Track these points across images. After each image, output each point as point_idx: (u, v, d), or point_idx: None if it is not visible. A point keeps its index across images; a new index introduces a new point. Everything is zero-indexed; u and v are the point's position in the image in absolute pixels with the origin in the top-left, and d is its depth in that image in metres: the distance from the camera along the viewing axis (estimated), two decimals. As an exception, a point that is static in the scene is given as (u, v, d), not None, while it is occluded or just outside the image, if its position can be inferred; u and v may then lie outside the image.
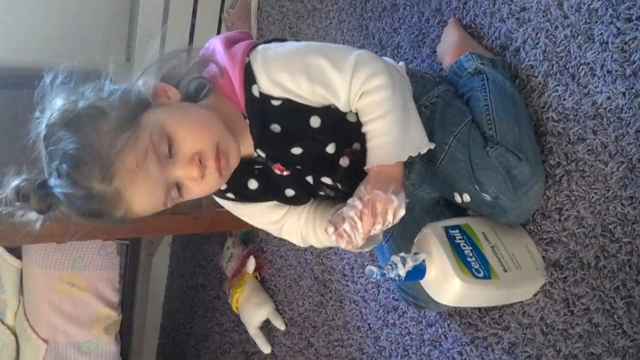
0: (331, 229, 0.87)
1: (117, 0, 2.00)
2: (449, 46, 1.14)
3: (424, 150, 0.91)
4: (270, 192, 1.01)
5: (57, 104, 0.85)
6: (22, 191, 0.85)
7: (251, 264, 1.87)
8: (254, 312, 1.82)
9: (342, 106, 0.92)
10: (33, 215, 0.87)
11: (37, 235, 1.55)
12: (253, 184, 1.00)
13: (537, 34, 1.01)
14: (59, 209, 0.87)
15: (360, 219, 0.85)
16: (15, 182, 0.85)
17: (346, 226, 0.85)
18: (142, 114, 0.85)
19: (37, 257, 1.96)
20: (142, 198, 0.85)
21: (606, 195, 0.91)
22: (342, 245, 0.87)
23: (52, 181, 0.84)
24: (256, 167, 0.98)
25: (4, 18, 1.87)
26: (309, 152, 0.94)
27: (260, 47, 0.93)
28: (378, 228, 0.86)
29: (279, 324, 1.76)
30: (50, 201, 0.86)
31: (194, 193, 0.89)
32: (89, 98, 0.85)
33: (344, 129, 0.93)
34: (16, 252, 2.01)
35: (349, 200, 0.87)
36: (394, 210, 0.85)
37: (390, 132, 0.89)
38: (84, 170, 0.81)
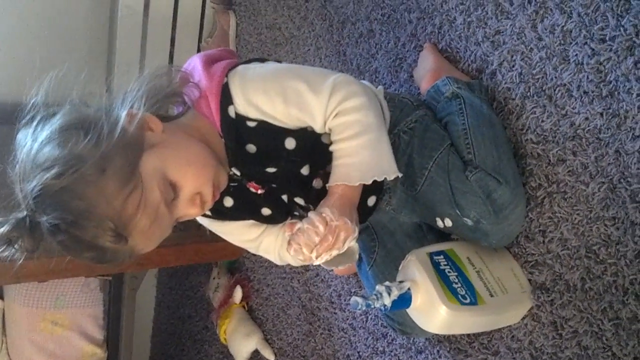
0: (291, 249, 0.88)
1: (94, 30, 1.99)
2: (426, 71, 1.14)
3: (390, 177, 0.91)
4: (247, 210, 1.01)
5: (48, 157, 0.80)
6: (13, 238, 0.81)
7: (238, 293, 1.85)
8: (242, 342, 1.79)
9: (318, 128, 0.92)
10: (14, 252, 0.84)
11: (18, 275, 1.54)
12: (228, 202, 1.00)
13: (512, 56, 1.01)
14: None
15: (320, 242, 0.85)
16: (2, 229, 0.81)
17: (303, 244, 0.86)
18: (139, 163, 0.83)
19: (19, 296, 1.93)
20: (153, 244, 0.88)
21: (589, 216, 0.90)
22: (300, 258, 0.87)
23: (58, 237, 0.80)
24: (231, 184, 0.98)
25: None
26: (284, 172, 0.95)
27: (239, 67, 0.93)
28: (334, 253, 0.86)
29: (268, 354, 1.74)
30: (40, 240, 0.83)
31: (187, 219, 0.93)
32: (86, 157, 0.79)
33: (318, 150, 0.93)
34: (-3, 292, 1.98)
35: (311, 219, 0.86)
36: (350, 239, 0.87)
37: (359, 154, 0.89)
38: (95, 233, 0.80)
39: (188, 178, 0.86)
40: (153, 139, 0.87)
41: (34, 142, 0.82)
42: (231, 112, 0.90)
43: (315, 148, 0.93)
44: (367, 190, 0.94)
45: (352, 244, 0.88)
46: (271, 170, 0.94)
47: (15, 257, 0.83)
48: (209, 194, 0.89)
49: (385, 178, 0.90)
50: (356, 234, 0.87)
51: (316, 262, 0.88)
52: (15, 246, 0.82)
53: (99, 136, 0.81)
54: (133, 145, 0.84)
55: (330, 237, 0.85)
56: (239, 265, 1.93)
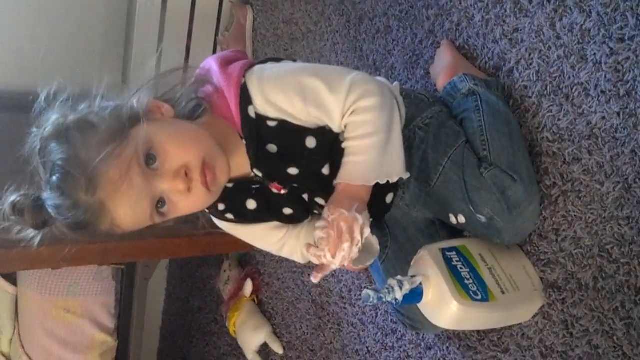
0: (311, 252, 0.87)
1: (112, 22, 2.01)
2: (443, 67, 1.14)
3: (393, 180, 0.91)
4: (269, 211, 1.01)
5: (51, 118, 0.86)
6: (18, 206, 0.85)
7: (248, 286, 1.86)
8: (251, 335, 1.80)
9: (336, 127, 0.92)
10: (30, 232, 0.87)
11: (32, 261, 1.56)
12: (252, 204, 0.99)
13: (530, 54, 1.01)
14: (55, 226, 0.87)
15: (327, 240, 0.85)
16: (12, 198, 0.86)
17: (316, 250, 0.86)
18: (133, 128, 0.85)
19: (33, 283, 1.95)
20: (126, 210, 0.84)
21: (603, 216, 0.90)
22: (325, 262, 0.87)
23: (45, 194, 0.84)
24: (253, 186, 0.98)
25: (-1, 42, 1.88)
26: (305, 172, 0.95)
27: (256, 67, 0.93)
28: (346, 247, 0.84)
29: (277, 348, 1.74)
30: (44, 216, 0.85)
31: (180, 208, 0.88)
32: (81, 112, 0.86)
33: (338, 149, 0.93)
34: (11, 279, 1.99)
35: (317, 223, 0.87)
36: (360, 228, 0.85)
37: (366, 154, 0.90)
38: (69, 181, 0.81)
39: (173, 147, 0.85)
40: (159, 118, 0.89)
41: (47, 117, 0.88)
42: (251, 112, 0.90)
43: (334, 147, 0.93)
44: (386, 187, 0.94)
45: (370, 237, 0.87)
46: (293, 170, 0.94)
47: (23, 237, 0.87)
48: (196, 169, 0.85)
49: (388, 181, 0.90)
50: (361, 221, 0.85)
51: (336, 264, 0.86)
52: (22, 222, 0.86)
53: (97, 100, 0.87)
54: (132, 115, 0.86)
55: (332, 232, 0.84)
56: (250, 258, 1.94)
